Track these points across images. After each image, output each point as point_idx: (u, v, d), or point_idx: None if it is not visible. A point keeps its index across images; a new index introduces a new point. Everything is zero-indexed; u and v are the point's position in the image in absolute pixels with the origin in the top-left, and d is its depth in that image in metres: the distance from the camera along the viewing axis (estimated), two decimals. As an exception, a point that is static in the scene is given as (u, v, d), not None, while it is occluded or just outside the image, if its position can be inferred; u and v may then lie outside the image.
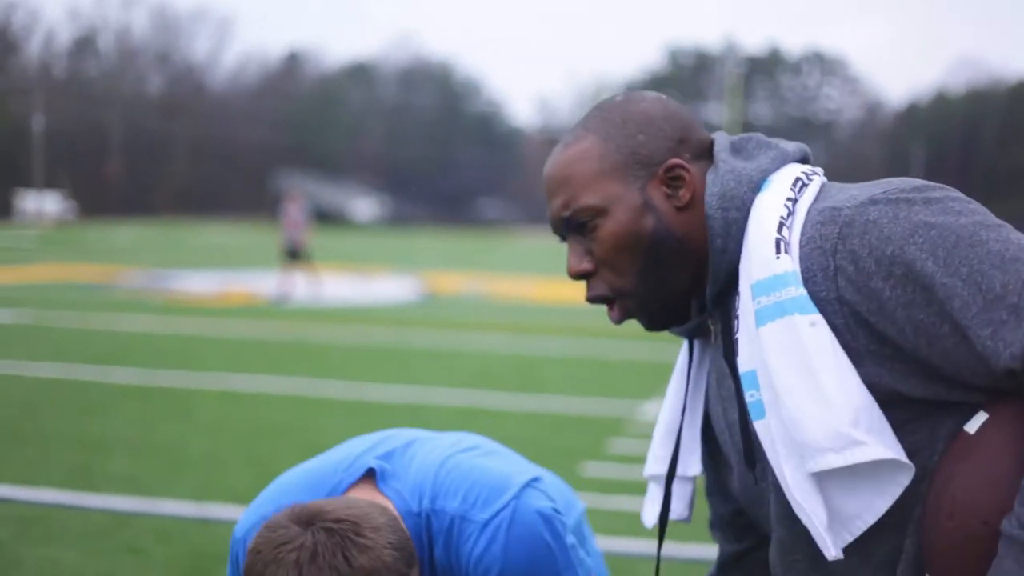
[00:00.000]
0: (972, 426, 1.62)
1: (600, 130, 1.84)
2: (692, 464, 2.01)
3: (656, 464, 2.03)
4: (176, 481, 7.59)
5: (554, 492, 2.23)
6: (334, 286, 24.39)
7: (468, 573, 2.07)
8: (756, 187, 1.79)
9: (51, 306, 19.07)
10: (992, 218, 1.65)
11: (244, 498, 6.94)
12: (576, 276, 1.84)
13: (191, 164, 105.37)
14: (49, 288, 23.03)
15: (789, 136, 1.98)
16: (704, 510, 2.27)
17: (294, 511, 1.88)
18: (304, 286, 22.61)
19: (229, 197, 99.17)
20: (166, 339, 15.21)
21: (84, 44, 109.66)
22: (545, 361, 14.02)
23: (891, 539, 1.70)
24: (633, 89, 1.93)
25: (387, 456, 2.20)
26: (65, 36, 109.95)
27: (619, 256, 1.80)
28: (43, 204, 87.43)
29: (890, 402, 1.64)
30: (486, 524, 2.08)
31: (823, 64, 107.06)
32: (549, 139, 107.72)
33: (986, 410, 1.62)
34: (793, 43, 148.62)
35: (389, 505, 2.09)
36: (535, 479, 2.17)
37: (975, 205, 1.67)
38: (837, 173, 2.08)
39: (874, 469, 1.63)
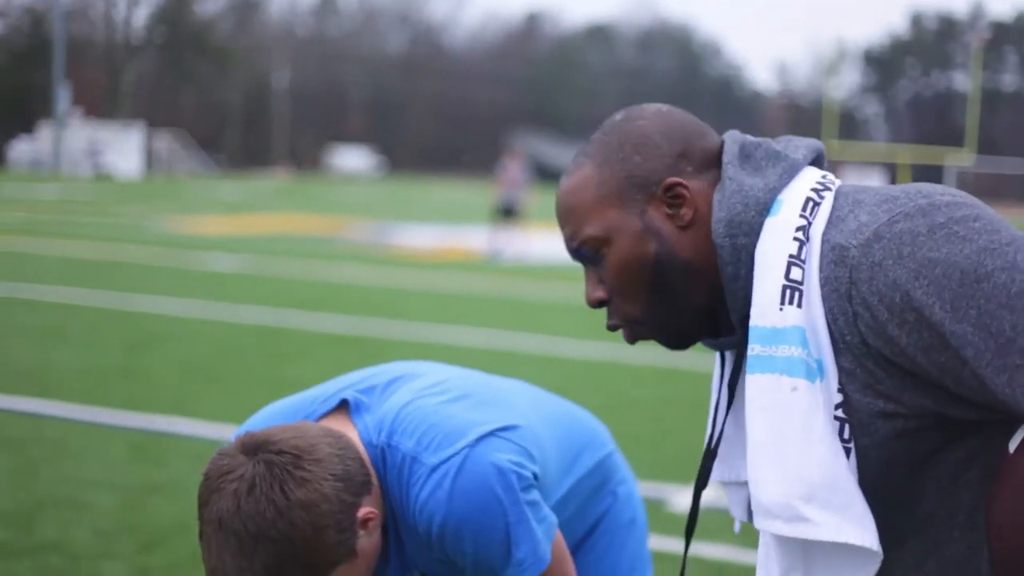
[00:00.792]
0: (1013, 444, 1.59)
1: (598, 155, 1.80)
2: (743, 469, 1.92)
3: (717, 471, 1.95)
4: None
5: (531, 442, 2.17)
6: (552, 245, 24.59)
7: (414, 515, 2.08)
8: (765, 209, 1.73)
9: (274, 255, 19.76)
10: (1000, 234, 1.59)
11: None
12: (592, 305, 1.82)
13: (430, 123, 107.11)
14: (276, 239, 23.85)
15: None
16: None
17: (243, 439, 1.94)
18: (518, 243, 22.80)
19: (465, 155, 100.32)
20: (375, 290, 15.65)
21: (326, 4, 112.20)
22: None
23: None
24: (637, 106, 1.88)
25: (367, 391, 2.21)
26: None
27: (627, 284, 1.77)
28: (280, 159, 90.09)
29: (941, 424, 1.62)
30: (434, 469, 2.05)
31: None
32: (789, 104, 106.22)
33: None
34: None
35: (353, 435, 2.12)
36: (504, 428, 2.13)
37: (982, 220, 1.61)
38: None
39: (839, 547, 1.65)
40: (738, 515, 1.92)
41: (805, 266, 1.65)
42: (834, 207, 1.69)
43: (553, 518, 2.17)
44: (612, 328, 1.82)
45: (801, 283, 1.64)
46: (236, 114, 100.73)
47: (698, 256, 1.75)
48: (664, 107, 1.84)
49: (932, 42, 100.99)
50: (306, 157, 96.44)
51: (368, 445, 2.11)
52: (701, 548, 5.43)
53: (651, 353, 10.98)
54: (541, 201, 27.64)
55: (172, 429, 7.48)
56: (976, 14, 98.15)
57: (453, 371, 2.36)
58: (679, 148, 1.78)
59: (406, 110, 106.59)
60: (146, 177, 69.23)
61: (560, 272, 19.30)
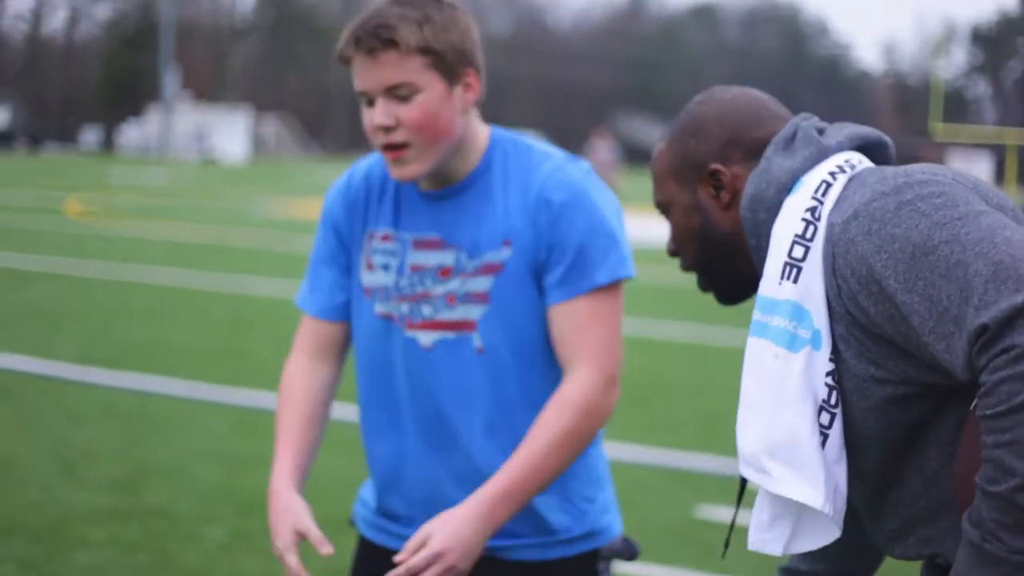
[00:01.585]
0: (973, 405, 1.73)
1: (671, 134, 2.03)
2: None
3: None
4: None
5: None
6: (650, 228, 24.73)
7: (539, 181, 2.44)
8: (786, 188, 1.89)
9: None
10: (957, 208, 1.71)
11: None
12: (670, 254, 2.08)
13: (535, 103, 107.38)
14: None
15: None
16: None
17: None
18: None
19: (570, 136, 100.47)
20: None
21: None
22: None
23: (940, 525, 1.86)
24: (721, 86, 2.08)
25: None
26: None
27: (682, 246, 2.02)
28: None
29: (930, 390, 1.78)
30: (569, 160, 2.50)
31: None
32: (895, 84, 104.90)
33: None
34: None
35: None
36: None
37: (945, 196, 1.73)
38: None
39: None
40: None
41: (811, 244, 1.81)
42: (844, 189, 1.83)
43: None
44: (685, 270, 2.09)
45: (802, 260, 1.81)
46: (341, 97, 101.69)
47: (736, 231, 1.97)
48: (736, 92, 2.03)
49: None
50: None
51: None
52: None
53: (739, 334, 11.20)
54: (641, 183, 27.72)
55: (271, 405, 7.88)
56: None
57: None
58: (728, 135, 1.97)
59: (510, 91, 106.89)
60: (252, 161, 70.25)
61: (652, 255, 19.48)
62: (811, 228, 1.81)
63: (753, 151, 1.96)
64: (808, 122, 1.97)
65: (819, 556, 2.19)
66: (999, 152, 54.20)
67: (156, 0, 79.09)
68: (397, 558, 2.20)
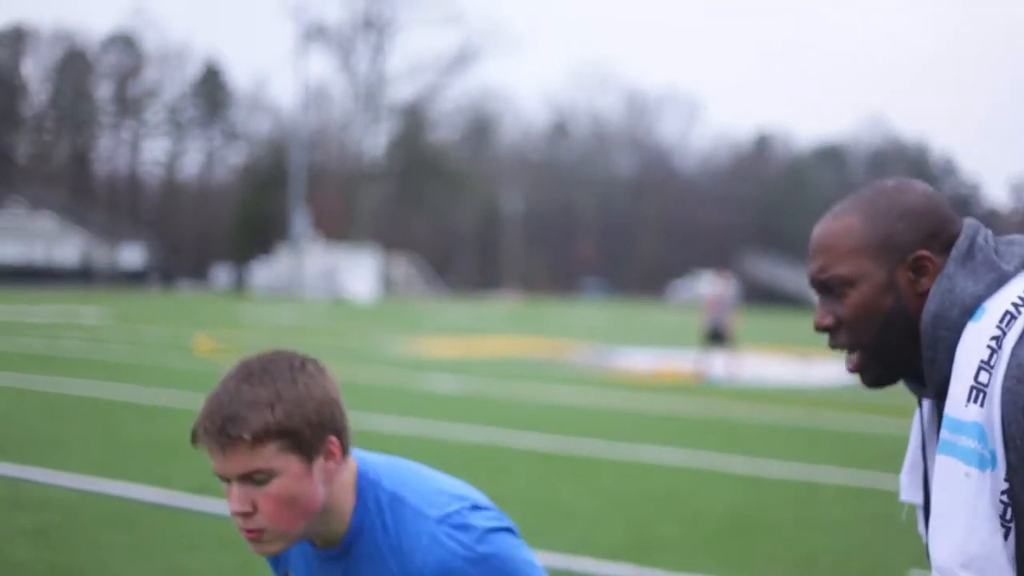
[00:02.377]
0: None
1: (866, 211, 2.11)
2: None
3: (906, 491, 2.31)
4: (556, 534, 8.30)
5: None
6: (770, 367, 24.71)
7: (408, 552, 2.25)
8: (969, 311, 2.03)
9: (495, 376, 20.43)
10: None
11: (612, 554, 7.63)
12: (819, 329, 2.18)
13: (659, 243, 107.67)
14: (499, 362, 24.56)
15: None
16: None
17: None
18: (723, 366, 22.72)
19: (694, 275, 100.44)
20: (588, 411, 16.12)
21: (558, 129, 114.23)
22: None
23: None
24: (907, 179, 2.21)
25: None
26: (540, 121, 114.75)
27: (858, 321, 2.09)
28: (510, 282, 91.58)
29: None
30: (440, 521, 2.25)
31: None
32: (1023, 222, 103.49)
33: None
34: None
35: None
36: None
37: None
38: None
39: None
40: (923, 536, 2.24)
41: (993, 371, 1.95)
42: None
43: None
44: (834, 347, 2.17)
45: (987, 386, 1.95)
46: (469, 239, 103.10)
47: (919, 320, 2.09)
48: (929, 189, 2.16)
49: None
50: (536, 281, 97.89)
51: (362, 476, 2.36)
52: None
53: (844, 473, 11.16)
54: (764, 323, 27.67)
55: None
56: None
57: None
58: (933, 228, 2.10)
59: (635, 231, 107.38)
60: (381, 300, 71.22)
61: (769, 394, 19.46)
62: (995, 355, 1.95)
63: (947, 245, 2.10)
64: (981, 236, 2.11)
65: None
66: None
67: (288, 145, 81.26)
68: None
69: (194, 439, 2.20)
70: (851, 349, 2.14)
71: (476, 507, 2.29)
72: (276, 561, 2.51)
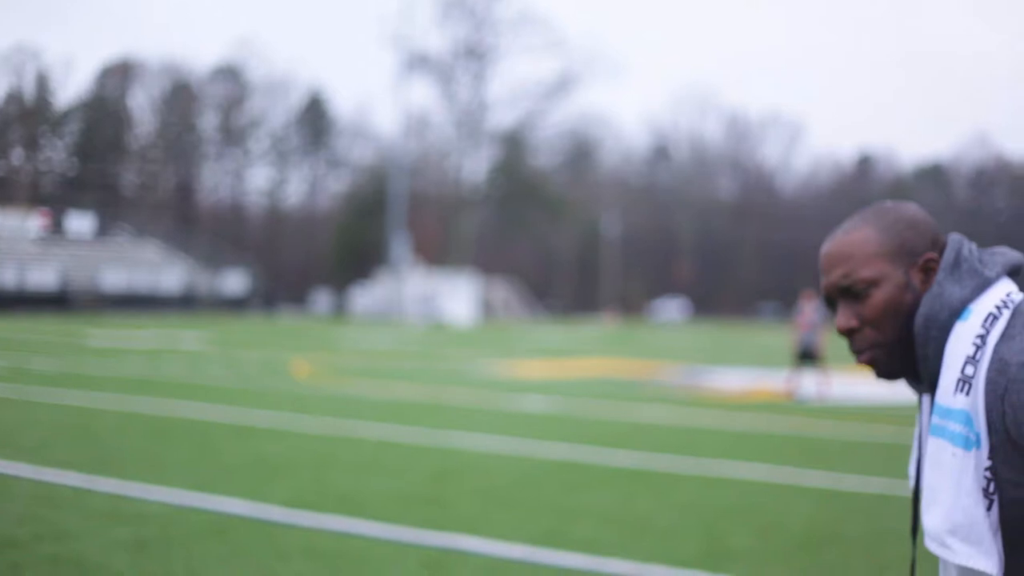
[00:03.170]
0: None
1: (877, 224, 2.41)
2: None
3: (911, 480, 2.65)
4: (631, 546, 8.57)
5: None
6: (859, 386, 24.68)
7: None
8: (956, 313, 2.33)
9: (585, 396, 20.70)
10: None
11: (685, 564, 7.89)
12: (844, 331, 2.48)
13: (760, 265, 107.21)
14: (590, 382, 24.83)
15: None
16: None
17: None
18: (813, 385, 22.84)
19: (792, 300, 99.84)
20: (674, 429, 16.33)
21: (659, 152, 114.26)
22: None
23: None
24: (899, 200, 2.55)
25: None
26: (641, 145, 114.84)
27: (883, 318, 2.38)
28: (609, 305, 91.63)
29: None
30: None
31: None
32: None
33: None
34: None
35: None
36: None
37: None
38: None
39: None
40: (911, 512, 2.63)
41: (977, 365, 2.25)
42: (1008, 324, 2.27)
43: None
44: (858, 351, 2.47)
45: (972, 378, 2.25)
46: (568, 262, 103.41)
47: None
48: (917, 206, 2.47)
49: None
50: (633, 304, 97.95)
51: None
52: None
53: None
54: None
55: (463, 546, 8.35)
56: None
57: None
58: (933, 235, 2.42)
59: (736, 254, 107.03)
60: (479, 324, 71.67)
61: (856, 412, 19.52)
62: (979, 351, 2.25)
63: (941, 251, 2.42)
64: (966, 248, 2.41)
65: None
66: None
67: (389, 172, 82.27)
68: None
69: None
70: (874, 347, 2.43)
71: None
72: None
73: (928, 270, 2.39)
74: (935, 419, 2.32)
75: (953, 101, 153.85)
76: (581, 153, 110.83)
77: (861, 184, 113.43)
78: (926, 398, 2.50)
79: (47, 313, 61.63)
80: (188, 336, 40.82)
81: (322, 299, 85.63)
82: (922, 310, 2.36)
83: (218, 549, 8.08)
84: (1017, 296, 2.35)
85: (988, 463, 2.24)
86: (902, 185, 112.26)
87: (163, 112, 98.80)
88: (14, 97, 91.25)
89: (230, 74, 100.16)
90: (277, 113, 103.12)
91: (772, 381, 25.83)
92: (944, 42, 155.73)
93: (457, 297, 76.39)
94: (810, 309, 23.06)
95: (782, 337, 60.84)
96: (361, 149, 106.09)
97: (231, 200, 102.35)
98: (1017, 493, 2.24)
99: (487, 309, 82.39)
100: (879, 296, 2.38)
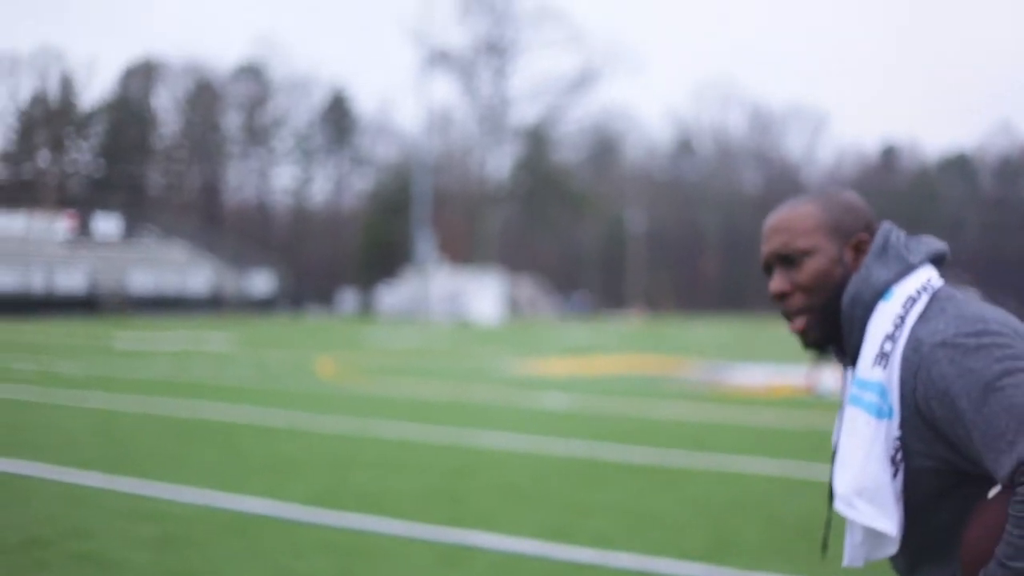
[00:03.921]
0: (992, 492, 2.43)
1: (819, 203, 2.64)
2: None
3: (833, 447, 2.84)
4: (640, 538, 8.78)
5: None
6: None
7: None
8: (879, 294, 2.54)
9: (605, 393, 20.89)
10: (1019, 362, 2.34)
11: (690, 557, 8.09)
12: (777, 295, 2.70)
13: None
14: (612, 379, 25.01)
15: None
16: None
17: None
18: (833, 381, 22.89)
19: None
20: (691, 425, 16.51)
21: (683, 146, 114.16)
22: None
23: (941, 570, 2.55)
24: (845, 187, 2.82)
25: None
26: (664, 139, 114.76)
27: (814, 286, 2.60)
28: (635, 301, 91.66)
29: (953, 469, 2.47)
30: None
31: None
32: None
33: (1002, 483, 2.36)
34: None
35: None
36: None
37: (1013, 349, 2.36)
38: None
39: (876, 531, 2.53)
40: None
41: (895, 343, 2.46)
42: (927, 307, 2.49)
43: None
44: (787, 313, 2.69)
45: (889, 354, 2.46)
46: (594, 258, 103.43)
47: None
48: (857, 195, 2.70)
49: None
50: (660, 299, 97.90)
51: None
52: None
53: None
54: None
55: (478, 542, 8.57)
56: None
57: None
58: (867, 220, 2.64)
59: (759, 249, 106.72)
60: (505, 322, 71.87)
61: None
62: (898, 330, 2.49)
63: (874, 235, 2.62)
64: (894, 236, 2.62)
65: None
66: None
67: (413, 170, 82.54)
68: None
69: None
70: (801, 313, 2.65)
71: None
72: None
73: (859, 250, 2.61)
74: (854, 389, 2.53)
75: (977, 90, 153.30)
76: (604, 148, 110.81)
77: (886, 175, 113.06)
78: (850, 371, 2.69)
79: (75, 316, 62.09)
80: (215, 337, 41.15)
81: (348, 298, 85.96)
82: (850, 289, 2.57)
83: (238, 546, 8.31)
84: (937, 282, 2.55)
85: (898, 433, 2.45)
86: (927, 176, 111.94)
87: (187, 112, 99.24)
88: (39, 99, 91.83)
89: (253, 73, 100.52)
90: (300, 112, 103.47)
91: (794, 376, 25.92)
92: (967, 30, 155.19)
93: (483, 295, 76.55)
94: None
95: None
96: (385, 147, 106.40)
97: (256, 199, 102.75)
98: (921, 462, 2.44)
99: (513, 307, 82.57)
100: (813, 265, 2.60)
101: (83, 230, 75.02)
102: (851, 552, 2.56)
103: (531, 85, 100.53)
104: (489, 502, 10.30)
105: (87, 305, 66.16)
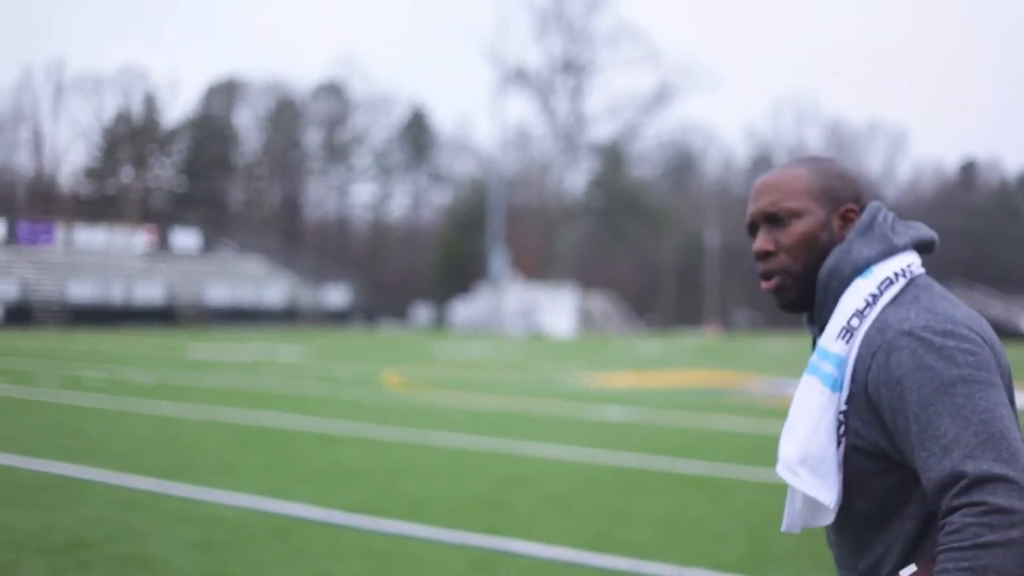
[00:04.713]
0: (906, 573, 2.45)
1: (811, 168, 2.62)
2: None
3: None
4: (679, 548, 8.89)
5: None
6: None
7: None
8: (858, 270, 2.52)
9: (665, 407, 20.95)
10: (980, 371, 2.32)
11: (728, 567, 8.19)
12: (760, 253, 2.70)
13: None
14: (674, 392, 25.03)
15: None
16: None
17: None
18: None
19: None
20: (745, 437, 16.56)
21: (760, 160, 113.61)
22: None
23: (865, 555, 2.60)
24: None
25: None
26: (742, 155, 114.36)
27: (798, 248, 2.58)
28: (711, 317, 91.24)
29: (882, 455, 2.51)
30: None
31: None
32: None
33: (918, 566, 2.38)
34: None
35: None
36: None
37: (976, 356, 2.34)
38: None
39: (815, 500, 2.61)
40: None
41: (863, 320, 2.45)
42: (901, 291, 2.48)
43: None
44: (765, 273, 2.66)
45: (855, 329, 2.45)
46: (669, 274, 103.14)
47: None
48: (849, 168, 2.71)
49: None
50: (735, 315, 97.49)
51: None
52: None
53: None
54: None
55: (512, 548, 8.72)
56: None
57: None
58: (858, 191, 2.62)
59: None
60: (578, 336, 71.92)
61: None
62: (868, 308, 2.47)
63: (862, 208, 2.62)
64: (881, 216, 2.60)
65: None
66: None
67: (488, 187, 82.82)
68: None
69: None
70: (780, 274, 2.65)
71: None
72: None
73: (847, 219, 2.62)
74: (814, 358, 2.55)
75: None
76: (681, 164, 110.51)
77: (965, 192, 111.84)
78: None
79: (154, 327, 62.98)
80: (287, 349, 41.58)
81: (423, 312, 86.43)
82: (829, 262, 2.56)
83: (280, 550, 8.52)
84: (918, 269, 2.55)
85: (844, 407, 2.47)
86: (1007, 191, 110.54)
87: (268, 129, 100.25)
88: (123, 117, 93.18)
89: (333, 91, 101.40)
90: (379, 129, 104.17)
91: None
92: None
93: (556, 310, 76.66)
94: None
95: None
96: (462, 163, 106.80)
97: (336, 215, 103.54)
98: (856, 441, 2.48)
99: (586, 321, 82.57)
100: (799, 226, 2.59)
101: (162, 244, 76.07)
102: (790, 518, 2.60)
103: (608, 103, 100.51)
104: (531, 510, 10.44)
105: (164, 316, 67.10)
